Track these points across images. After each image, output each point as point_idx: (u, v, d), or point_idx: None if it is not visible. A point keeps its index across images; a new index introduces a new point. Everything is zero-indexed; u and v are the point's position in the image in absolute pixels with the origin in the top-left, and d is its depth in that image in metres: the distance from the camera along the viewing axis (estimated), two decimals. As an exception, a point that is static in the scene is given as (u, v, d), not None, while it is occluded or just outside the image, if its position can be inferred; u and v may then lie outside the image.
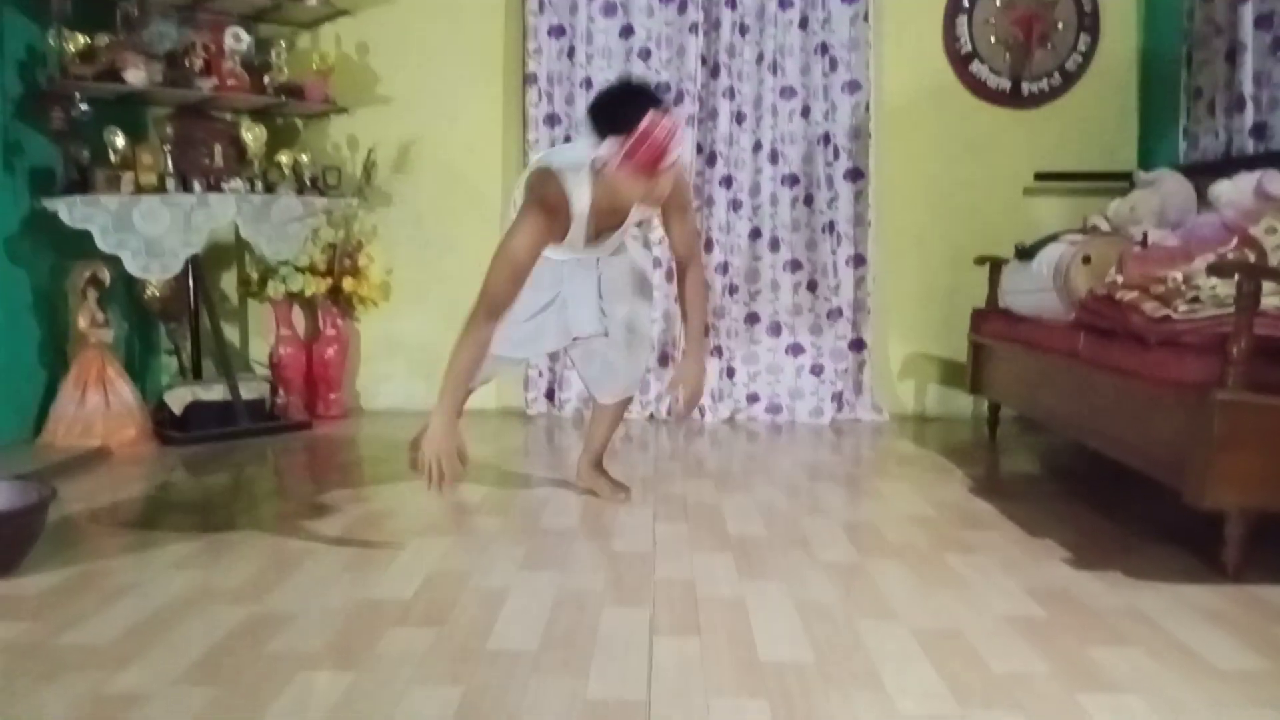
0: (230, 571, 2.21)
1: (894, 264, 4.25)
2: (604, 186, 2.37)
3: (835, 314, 4.16)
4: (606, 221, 2.49)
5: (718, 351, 4.19)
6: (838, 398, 4.20)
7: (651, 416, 4.18)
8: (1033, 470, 3.45)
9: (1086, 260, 2.97)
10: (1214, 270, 2.20)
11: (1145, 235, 2.91)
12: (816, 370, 4.22)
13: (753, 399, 4.23)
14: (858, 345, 4.19)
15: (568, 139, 4.11)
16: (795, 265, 4.21)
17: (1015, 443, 3.84)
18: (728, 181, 4.14)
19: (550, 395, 4.26)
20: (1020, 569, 2.25)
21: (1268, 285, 2.20)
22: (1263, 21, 3.35)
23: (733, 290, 4.20)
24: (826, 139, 4.09)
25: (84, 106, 3.42)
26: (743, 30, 4.09)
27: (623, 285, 2.74)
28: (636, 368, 2.87)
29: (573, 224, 2.40)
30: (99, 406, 3.44)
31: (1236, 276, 2.14)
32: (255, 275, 4.03)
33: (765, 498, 2.90)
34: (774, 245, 4.20)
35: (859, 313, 4.19)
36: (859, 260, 4.15)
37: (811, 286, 4.21)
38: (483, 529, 2.56)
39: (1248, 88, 3.40)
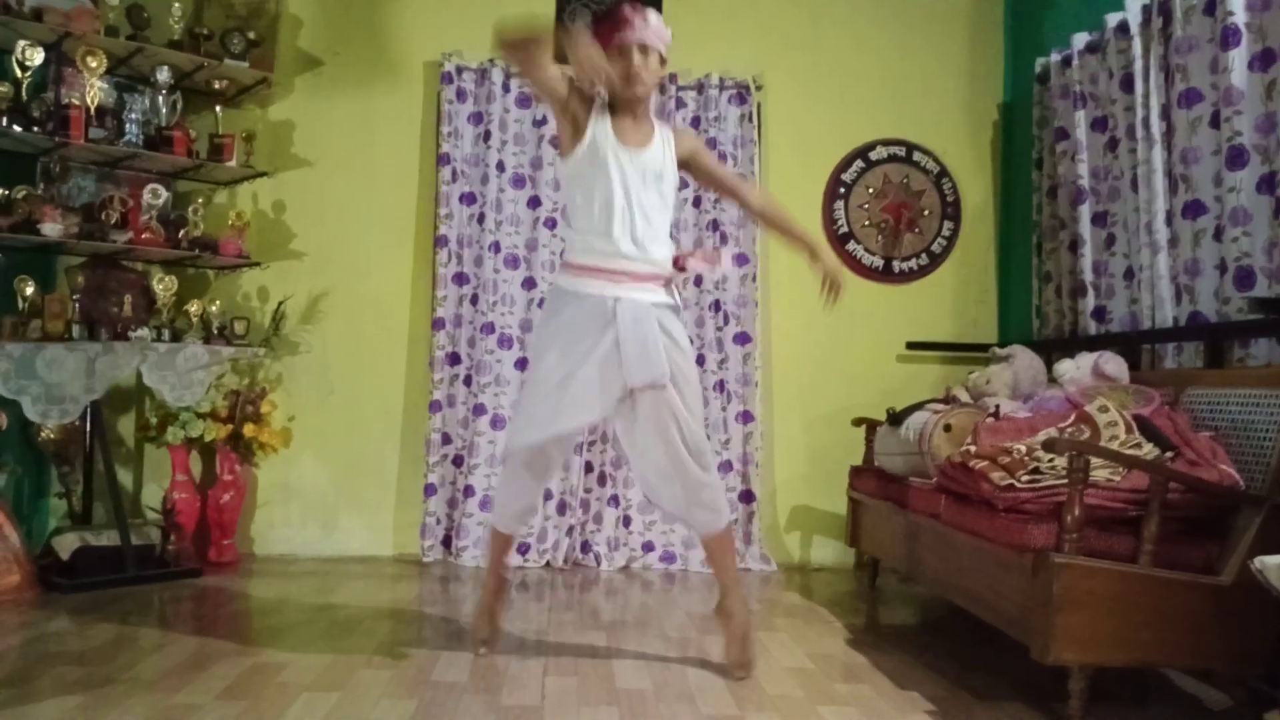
0: (113, 729, 2.19)
1: (780, 421, 4.51)
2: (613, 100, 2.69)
3: (725, 466, 4.36)
4: (631, 132, 2.69)
5: (614, 501, 4.34)
6: (728, 549, 4.34)
7: (548, 564, 4.26)
8: (908, 621, 3.63)
9: (948, 429, 3.24)
10: (1048, 447, 2.47)
11: (998, 408, 3.21)
12: (708, 521, 4.38)
13: (648, 548, 4.36)
14: (747, 497, 4.39)
15: (474, 298, 4.32)
16: (689, 420, 4.43)
17: (894, 593, 4.03)
18: (626, 341, 4.37)
19: (447, 543, 4.31)
20: (885, 722, 2.40)
21: (1098, 459, 2.49)
22: (1098, 219, 3.74)
23: (629, 443, 4.38)
24: (717, 306, 4.39)
25: (-1, 256, 3.49)
26: (641, 203, 4.41)
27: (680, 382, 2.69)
28: (688, 483, 2.68)
29: (593, 110, 2.66)
30: (-17, 552, 3.37)
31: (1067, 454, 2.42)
32: (155, 420, 4.03)
33: (656, 650, 3.00)
34: (669, 401, 4.42)
35: (748, 466, 4.40)
36: (747, 416, 4.39)
37: (704, 440, 4.42)
38: (373, 682, 2.59)
39: (1088, 276, 3.74)
